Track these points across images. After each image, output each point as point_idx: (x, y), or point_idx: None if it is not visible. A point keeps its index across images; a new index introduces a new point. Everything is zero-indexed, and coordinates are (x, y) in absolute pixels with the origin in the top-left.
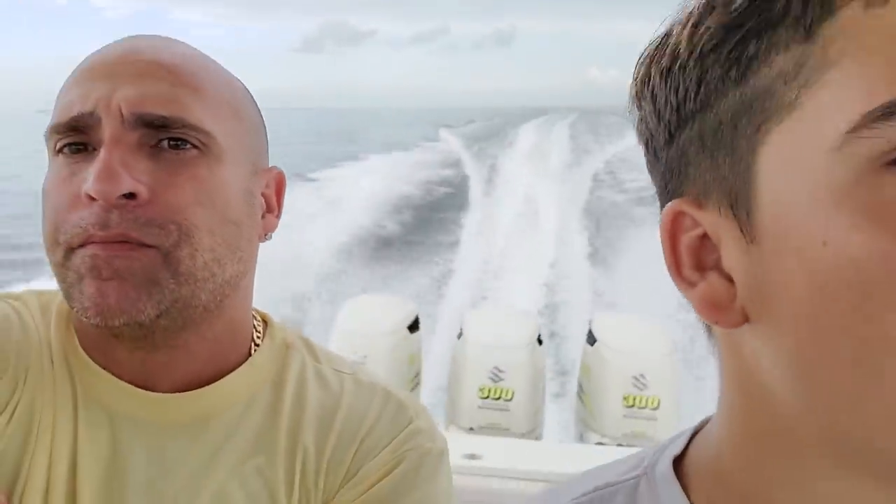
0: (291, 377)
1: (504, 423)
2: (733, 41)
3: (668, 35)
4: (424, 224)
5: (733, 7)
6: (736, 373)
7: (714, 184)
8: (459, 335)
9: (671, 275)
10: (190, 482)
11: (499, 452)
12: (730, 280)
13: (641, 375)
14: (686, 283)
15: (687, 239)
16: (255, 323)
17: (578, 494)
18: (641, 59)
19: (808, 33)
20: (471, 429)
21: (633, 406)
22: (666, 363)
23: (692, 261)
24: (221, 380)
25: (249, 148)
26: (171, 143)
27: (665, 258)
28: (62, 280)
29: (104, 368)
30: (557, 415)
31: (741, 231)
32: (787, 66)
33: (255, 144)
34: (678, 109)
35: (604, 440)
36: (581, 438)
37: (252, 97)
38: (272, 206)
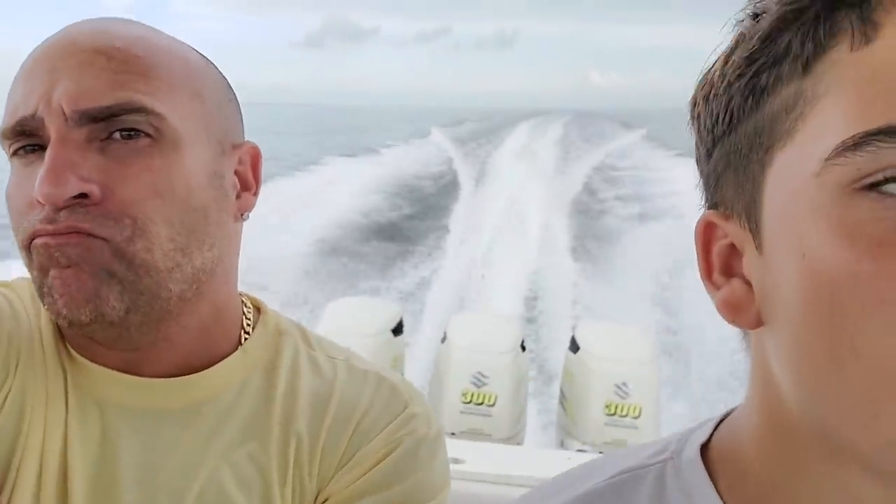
0: (284, 363)
1: (486, 429)
2: (750, 73)
3: (716, 62)
4: (411, 223)
5: (752, 43)
6: (758, 370)
7: (736, 198)
8: (443, 339)
9: (702, 278)
10: (181, 468)
11: (480, 457)
12: (749, 285)
13: (624, 384)
14: (713, 286)
15: (718, 247)
16: (246, 310)
17: (607, 477)
18: (698, 83)
19: (806, 69)
20: (452, 433)
21: (614, 414)
22: (648, 372)
23: (722, 267)
24: (213, 367)
25: (214, 127)
26: (123, 133)
27: (698, 263)
28: (35, 284)
29: (91, 361)
30: (537, 420)
31: (754, 241)
32: (788, 97)
33: (220, 122)
34: (712, 130)
35: (584, 447)
36: (562, 445)
37: (217, 72)
38: (248, 184)
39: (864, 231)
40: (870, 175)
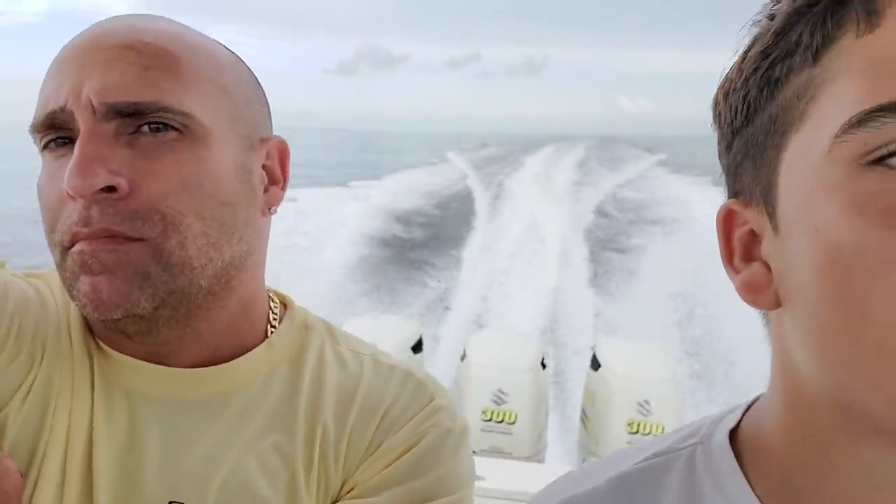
0: (310, 357)
1: (507, 447)
2: (766, 66)
3: (735, 62)
4: (429, 243)
5: (766, 39)
6: (778, 353)
7: (755, 185)
8: (463, 357)
9: (724, 264)
10: (206, 458)
11: (501, 475)
12: (768, 268)
13: (646, 401)
14: (734, 271)
15: (738, 233)
16: (273, 304)
17: (640, 459)
18: (719, 84)
19: (815, 58)
20: (473, 452)
21: (636, 432)
22: (670, 389)
23: (742, 252)
24: (239, 358)
25: (241, 122)
26: (151, 127)
27: (720, 249)
28: (63, 280)
29: (118, 352)
30: (558, 438)
31: (771, 224)
32: (800, 84)
33: (248, 117)
34: (731, 124)
35: None
36: (584, 463)
37: (245, 67)
38: (275, 178)
39: (871, 202)
40: (876, 149)
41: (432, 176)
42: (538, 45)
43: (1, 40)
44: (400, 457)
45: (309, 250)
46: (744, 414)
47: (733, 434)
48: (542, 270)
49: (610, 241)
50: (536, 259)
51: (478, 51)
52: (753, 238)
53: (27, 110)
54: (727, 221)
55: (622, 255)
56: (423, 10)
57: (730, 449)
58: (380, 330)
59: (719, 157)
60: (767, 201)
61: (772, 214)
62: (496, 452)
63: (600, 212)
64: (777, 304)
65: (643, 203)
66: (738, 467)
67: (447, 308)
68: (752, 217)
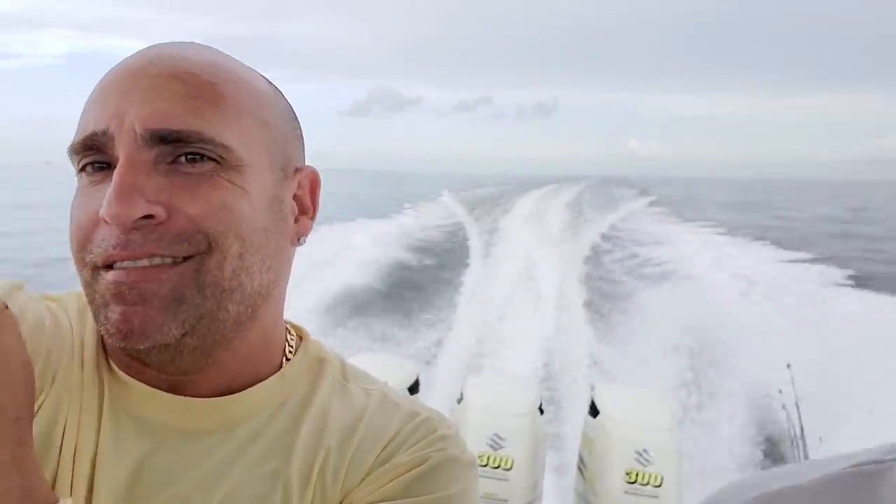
0: (320, 391)
1: (502, 493)
2: None
3: None
4: (423, 283)
5: None
6: None
7: None
8: (459, 400)
9: None
10: (201, 482)
11: None
12: None
13: (645, 450)
14: None
15: None
16: (289, 336)
17: (849, 465)
18: None
19: None
20: None
21: (634, 482)
22: (670, 438)
23: None
24: (251, 388)
25: (277, 153)
26: (189, 157)
27: None
28: (90, 301)
29: (133, 378)
30: (555, 486)
31: None
32: None
33: (283, 148)
34: None
35: None
36: None
37: (283, 100)
38: (305, 208)
39: None
40: None
41: (431, 216)
42: (548, 88)
43: (21, 82)
44: (399, 476)
45: (300, 286)
46: None
47: None
48: (536, 313)
49: (606, 284)
50: (530, 296)
51: (489, 94)
52: None
53: (47, 151)
54: None
55: (619, 299)
56: (436, 53)
57: None
58: (376, 369)
59: None
60: None
61: None
62: (491, 499)
63: (595, 252)
64: None
65: (640, 243)
66: None
67: (442, 349)
68: None
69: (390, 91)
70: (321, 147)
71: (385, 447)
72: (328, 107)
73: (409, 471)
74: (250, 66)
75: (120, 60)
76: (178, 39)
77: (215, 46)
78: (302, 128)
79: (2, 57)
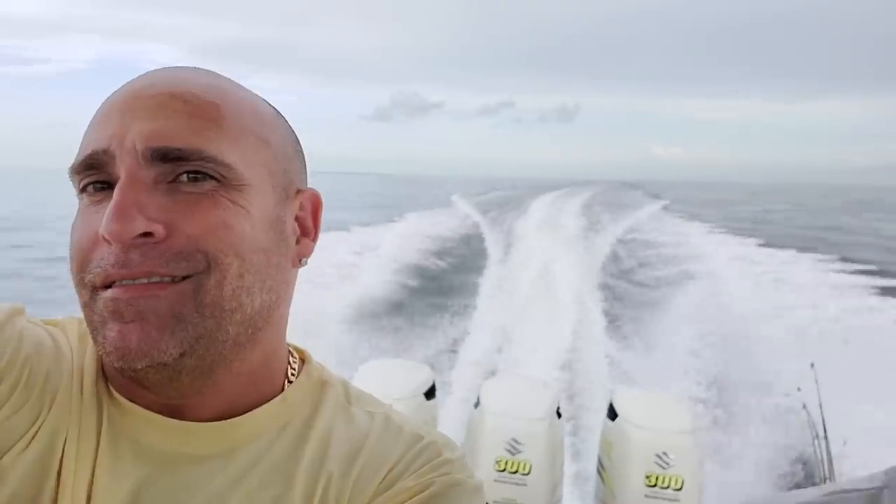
0: (322, 415)
1: (521, 499)
2: None
3: None
4: (441, 288)
5: None
6: None
7: None
8: (476, 404)
9: None
10: None
11: None
12: None
13: (664, 453)
14: None
15: None
16: (292, 359)
17: (826, 493)
18: None
19: None
20: None
21: (654, 486)
22: (690, 441)
23: None
24: (252, 411)
25: (278, 174)
26: (190, 176)
27: None
28: (88, 321)
29: (132, 402)
30: (574, 490)
31: None
32: None
33: (285, 169)
34: None
35: None
36: None
37: (284, 121)
38: (307, 230)
39: None
40: None
41: (450, 219)
42: (570, 93)
43: (50, 87)
44: (407, 500)
45: (308, 293)
46: None
47: None
48: (554, 316)
49: (624, 285)
50: (549, 304)
51: (511, 98)
52: None
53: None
54: None
55: (638, 300)
56: (458, 59)
57: None
58: (393, 374)
59: None
60: None
61: None
62: None
63: (613, 255)
64: None
65: (659, 248)
66: None
67: (458, 353)
68: None
69: (413, 96)
70: (344, 151)
71: (388, 472)
72: (351, 112)
73: (413, 496)
74: (277, 70)
75: (147, 67)
76: (205, 44)
77: (241, 52)
78: (325, 131)
79: (32, 62)
